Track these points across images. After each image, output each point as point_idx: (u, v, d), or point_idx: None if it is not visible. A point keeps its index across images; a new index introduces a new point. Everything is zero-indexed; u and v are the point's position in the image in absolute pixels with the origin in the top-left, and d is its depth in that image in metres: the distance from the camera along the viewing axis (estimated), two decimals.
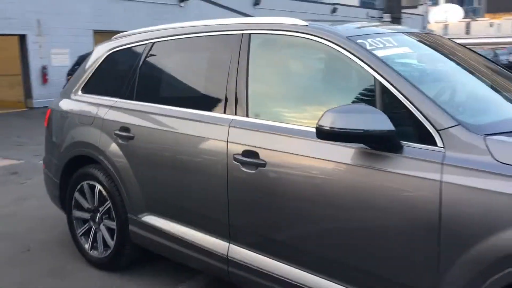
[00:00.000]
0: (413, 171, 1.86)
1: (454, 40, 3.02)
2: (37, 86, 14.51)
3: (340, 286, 2.11)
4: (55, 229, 3.97)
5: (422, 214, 1.83)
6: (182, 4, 18.38)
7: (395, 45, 2.32)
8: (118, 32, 3.74)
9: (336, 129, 1.89)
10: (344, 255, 2.09)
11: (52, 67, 14.64)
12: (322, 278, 2.16)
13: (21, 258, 3.52)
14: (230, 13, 21.98)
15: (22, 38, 14.05)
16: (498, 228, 1.66)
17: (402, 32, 2.66)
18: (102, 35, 13.58)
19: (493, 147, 1.76)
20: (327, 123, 1.91)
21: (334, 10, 35.56)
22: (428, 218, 1.81)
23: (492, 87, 2.54)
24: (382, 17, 51.00)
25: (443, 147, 1.84)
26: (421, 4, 61.63)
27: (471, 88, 2.45)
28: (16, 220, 4.28)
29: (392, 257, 1.94)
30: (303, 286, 2.21)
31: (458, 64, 2.65)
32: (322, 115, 1.93)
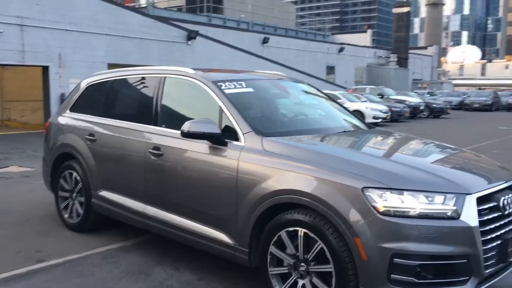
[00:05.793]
0: (228, 155, 3.42)
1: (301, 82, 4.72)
2: (56, 110, 16.46)
3: (192, 222, 3.65)
4: (48, 208, 5.58)
5: (230, 178, 3.37)
6: (189, 42, 20.43)
7: (243, 87, 3.92)
8: (131, 65, 5.29)
9: (190, 131, 3.47)
10: (194, 203, 3.64)
11: None
12: (183, 218, 3.71)
13: (23, 224, 5.14)
14: (234, 50, 23.72)
15: (45, 69, 16.09)
16: (251, 183, 3.20)
17: (259, 79, 4.30)
18: (115, 68, 15.52)
19: (264, 143, 3.33)
20: (185, 128, 3.49)
21: (341, 50, 37.45)
22: (232, 180, 3.35)
23: (290, 114, 4.24)
24: (389, 57, 51.91)
25: (244, 142, 3.40)
26: (431, 46, 62.44)
27: (272, 111, 4.05)
28: (24, 203, 5.98)
29: (215, 202, 3.48)
30: (177, 225, 3.75)
31: (279, 97, 4.31)
32: (184, 124, 3.51)
